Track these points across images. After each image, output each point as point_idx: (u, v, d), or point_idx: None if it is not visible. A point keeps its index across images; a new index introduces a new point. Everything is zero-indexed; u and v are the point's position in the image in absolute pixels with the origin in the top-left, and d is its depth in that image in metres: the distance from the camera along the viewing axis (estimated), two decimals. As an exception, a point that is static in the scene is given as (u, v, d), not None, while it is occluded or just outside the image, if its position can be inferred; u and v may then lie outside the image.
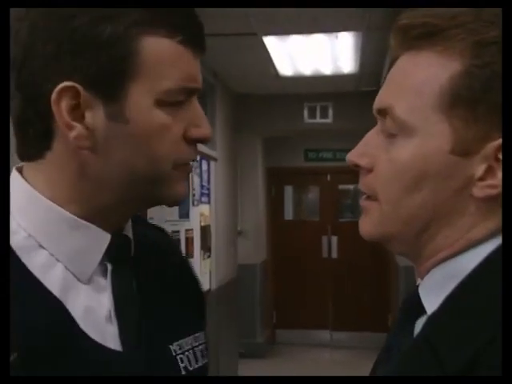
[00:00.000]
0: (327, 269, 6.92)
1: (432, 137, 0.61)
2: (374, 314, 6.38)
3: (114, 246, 0.70)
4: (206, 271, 4.04)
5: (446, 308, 0.60)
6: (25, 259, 0.65)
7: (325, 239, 6.96)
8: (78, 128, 0.65)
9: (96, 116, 0.65)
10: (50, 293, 0.65)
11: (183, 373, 0.74)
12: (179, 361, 0.74)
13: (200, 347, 0.78)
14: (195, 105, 0.70)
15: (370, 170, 0.66)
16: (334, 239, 6.84)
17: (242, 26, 3.54)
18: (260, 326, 6.14)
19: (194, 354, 0.76)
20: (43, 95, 0.64)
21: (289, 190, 7.20)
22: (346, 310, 6.79)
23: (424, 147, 0.61)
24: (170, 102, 0.67)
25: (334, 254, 6.88)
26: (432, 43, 0.62)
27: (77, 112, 0.65)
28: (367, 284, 6.70)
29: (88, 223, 0.69)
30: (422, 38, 0.62)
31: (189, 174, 0.73)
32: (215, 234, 4.38)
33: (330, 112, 5.30)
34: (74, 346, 0.64)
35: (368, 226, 0.67)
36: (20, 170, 0.71)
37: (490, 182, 0.60)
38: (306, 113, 5.37)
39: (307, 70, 4.70)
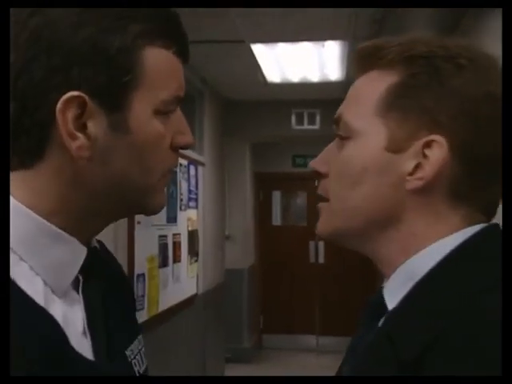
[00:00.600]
0: (314, 274, 6.96)
1: (371, 136, 0.70)
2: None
3: (86, 259, 0.70)
4: (193, 276, 4.06)
5: (403, 305, 0.66)
6: (13, 271, 0.62)
7: (312, 244, 7.00)
8: (81, 138, 0.64)
9: (98, 126, 0.65)
10: (41, 307, 0.63)
11: (138, 375, 0.76)
12: (134, 365, 0.75)
13: (143, 349, 0.80)
14: (179, 113, 0.72)
15: (326, 176, 0.74)
16: (321, 244, 6.88)
17: (230, 33, 3.58)
18: (247, 331, 6.16)
19: (141, 356, 0.78)
20: (45, 105, 0.64)
21: (277, 196, 7.24)
22: (333, 315, 6.82)
23: (365, 146, 0.70)
24: (165, 111, 0.68)
25: (321, 259, 6.93)
26: (375, 62, 0.72)
27: (79, 122, 0.64)
28: (354, 289, 6.74)
29: (70, 236, 0.68)
30: (367, 58, 0.73)
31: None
32: (203, 239, 4.40)
33: (318, 118, 5.35)
34: (67, 360, 0.64)
35: (321, 224, 0.75)
36: None
37: (417, 175, 0.68)
38: (293, 119, 5.41)
39: (295, 77, 4.74)
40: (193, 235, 4.06)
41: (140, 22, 0.65)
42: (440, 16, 2.75)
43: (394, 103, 0.69)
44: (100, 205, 0.69)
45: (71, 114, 0.64)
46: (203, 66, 4.32)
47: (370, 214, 0.70)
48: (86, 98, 0.63)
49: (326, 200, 0.74)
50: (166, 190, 0.75)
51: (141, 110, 0.66)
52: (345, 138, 0.72)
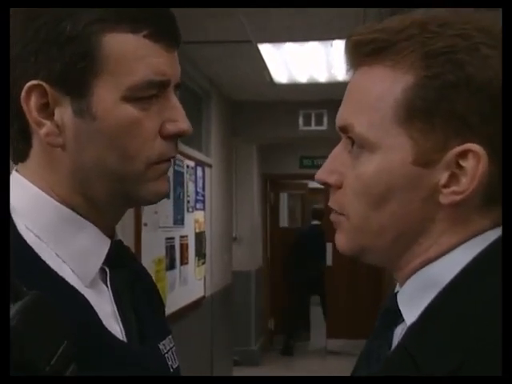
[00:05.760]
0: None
1: (394, 150, 0.62)
2: (369, 322, 6.36)
3: (111, 251, 0.71)
4: (200, 278, 4.04)
5: (426, 320, 0.61)
6: (42, 255, 0.65)
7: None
8: (48, 125, 0.66)
9: (64, 113, 0.66)
10: (73, 287, 0.65)
11: (171, 370, 0.75)
12: (167, 359, 0.75)
13: (174, 348, 0.79)
14: (171, 99, 0.69)
15: (339, 187, 0.66)
16: (329, 246, 6.85)
17: (237, 33, 3.55)
18: (255, 333, 6.13)
19: (172, 354, 0.78)
20: (16, 94, 0.66)
21: (284, 197, 7.21)
22: (341, 317, 6.78)
23: (387, 161, 0.62)
24: (140, 97, 0.66)
25: (329, 261, 6.89)
26: (383, 58, 0.63)
27: (47, 110, 0.66)
28: (362, 291, 6.71)
29: (88, 222, 0.69)
30: (372, 54, 0.63)
31: (167, 171, 0.72)
32: (210, 241, 4.38)
33: (325, 119, 5.31)
34: (101, 341, 0.65)
35: (342, 241, 0.68)
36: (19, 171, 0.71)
37: (454, 188, 0.61)
38: (301, 120, 5.38)
39: (302, 78, 4.71)
40: (200, 237, 4.03)
41: (96, 10, 0.65)
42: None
43: (415, 109, 0.60)
44: (96, 194, 0.69)
45: (34, 103, 0.65)
46: (210, 67, 4.30)
47: (398, 231, 0.64)
48: (46, 85, 0.65)
49: (341, 213, 0.67)
50: (166, 179, 0.72)
51: (105, 96, 0.65)
52: (359, 151, 0.64)
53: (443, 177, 0.61)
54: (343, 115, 0.66)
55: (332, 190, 0.67)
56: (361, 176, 0.64)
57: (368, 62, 0.64)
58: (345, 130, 0.65)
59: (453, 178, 0.61)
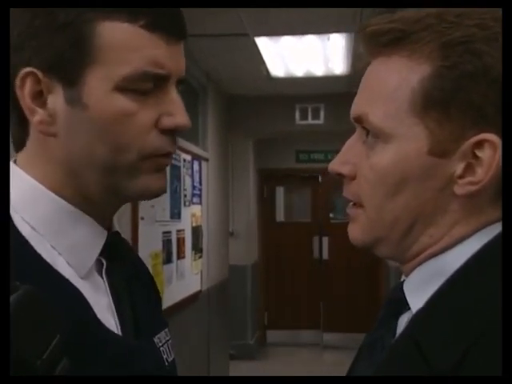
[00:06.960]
0: (318, 270, 6.92)
1: (409, 140, 0.62)
2: (365, 315, 6.39)
3: (108, 243, 0.70)
4: (197, 272, 4.04)
5: (432, 306, 0.61)
6: (37, 248, 0.65)
7: (316, 240, 6.96)
8: (41, 113, 0.65)
9: (57, 101, 0.65)
10: (67, 281, 0.65)
11: (166, 364, 0.75)
12: (162, 352, 0.75)
13: (170, 341, 0.79)
14: (170, 92, 0.67)
15: (353, 178, 0.66)
16: (325, 240, 6.85)
17: (234, 26, 3.54)
18: (251, 327, 6.14)
19: (168, 347, 0.77)
20: (12, 83, 0.66)
21: (280, 191, 7.20)
22: (337, 310, 6.80)
23: (402, 151, 0.62)
24: (135, 88, 0.65)
25: (325, 255, 6.90)
26: (400, 48, 0.63)
27: (41, 98, 0.66)
28: (358, 285, 6.72)
29: (85, 215, 0.68)
30: (389, 44, 0.63)
31: (164, 167, 0.70)
32: (207, 235, 4.37)
33: (322, 113, 5.31)
34: (95, 335, 0.64)
35: (356, 232, 0.68)
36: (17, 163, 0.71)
37: (469, 179, 0.61)
38: (297, 114, 5.37)
39: (299, 71, 4.70)
40: (197, 231, 4.03)
41: None
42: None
43: (432, 99, 0.60)
44: (88, 185, 0.68)
45: (28, 90, 0.65)
46: (207, 61, 4.28)
47: (411, 222, 0.64)
48: (39, 73, 0.65)
49: (357, 205, 0.67)
50: (162, 176, 0.70)
51: (97, 85, 0.64)
52: (374, 141, 0.64)
53: (459, 167, 0.61)
54: (358, 105, 0.66)
55: (346, 180, 0.68)
56: (375, 166, 0.64)
57: (385, 53, 0.64)
58: (359, 120, 0.65)
59: (468, 169, 0.61)
